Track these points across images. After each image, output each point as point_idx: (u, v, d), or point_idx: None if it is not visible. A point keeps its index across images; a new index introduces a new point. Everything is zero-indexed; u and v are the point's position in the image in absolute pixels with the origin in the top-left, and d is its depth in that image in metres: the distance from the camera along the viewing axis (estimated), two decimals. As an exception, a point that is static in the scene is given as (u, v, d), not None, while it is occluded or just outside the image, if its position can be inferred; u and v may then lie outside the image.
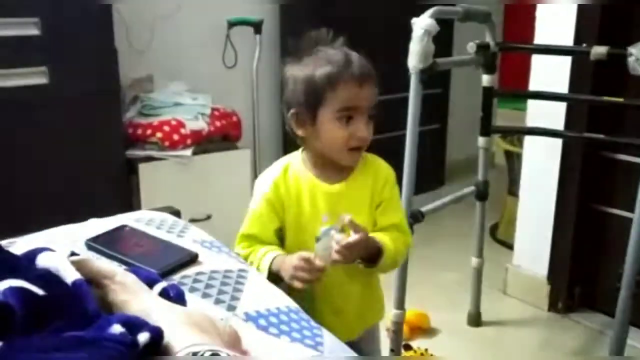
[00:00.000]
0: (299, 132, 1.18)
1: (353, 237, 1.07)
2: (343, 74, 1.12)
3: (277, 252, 1.18)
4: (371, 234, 1.16)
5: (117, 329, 0.67)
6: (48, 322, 0.69)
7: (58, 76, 2.03)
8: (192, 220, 2.19)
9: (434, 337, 2.17)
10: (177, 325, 0.72)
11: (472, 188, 2.12)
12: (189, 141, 2.36)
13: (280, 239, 1.24)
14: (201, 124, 2.41)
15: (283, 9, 2.87)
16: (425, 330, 2.18)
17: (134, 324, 0.69)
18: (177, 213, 1.36)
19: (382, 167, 1.25)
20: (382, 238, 1.18)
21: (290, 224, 1.22)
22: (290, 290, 1.07)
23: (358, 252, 1.12)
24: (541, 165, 2.30)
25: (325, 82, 1.12)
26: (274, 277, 1.13)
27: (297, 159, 1.24)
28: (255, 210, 1.23)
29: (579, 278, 2.32)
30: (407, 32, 1.66)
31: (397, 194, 1.27)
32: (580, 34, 2.06)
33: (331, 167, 1.21)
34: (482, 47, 1.88)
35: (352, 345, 0.91)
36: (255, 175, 2.77)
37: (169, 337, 0.70)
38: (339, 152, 1.16)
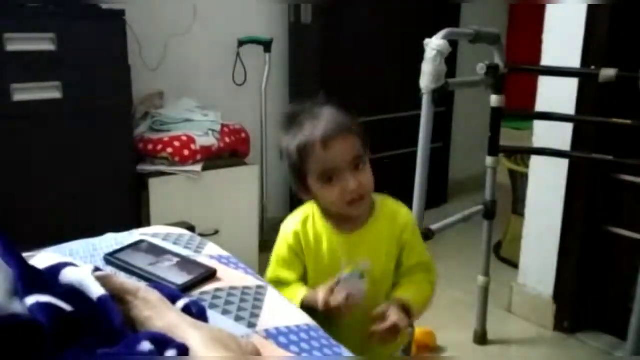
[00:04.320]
0: (305, 199, 1.25)
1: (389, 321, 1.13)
2: (308, 143, 1.14)
3: (304, 290, 1.21)
4: (397, 295, 1.21)
5: (146, 345, 0.68)
6: (76, 338, 0.70)
7: (71, 91, 2.05)
8: (201, 235, 2.20)
9: (441, 355, 2.17)
10: (201, 343, 0.73)
11: (480, 207, 2.14)
12: (198, 157, 2.38)
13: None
14: (211, 140, 2.43)
15: (293, 29, 2.90)
16: (431, 348, 2.18)
17: (161, 341, 0.71)
18: (192, 228, 1.38)
19: (400, 213, 1.28)
20: (408, 293, 1.22)
21: (311, 270, 1.26)
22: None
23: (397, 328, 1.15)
24: (547, 185, 2.31)
25: (297, 156, 1.16)
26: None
27: (316, 209, 1.27)
28: (279, 255, 1.27)
29: (585, 298, 2.32)
30: (416, 51, 1.69)
31: (418, 235, 1.31)
32: (587, 55, 2.08)
33: (345, 218, 1.24)
34: (492, 68, 1.90)
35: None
36: (262, 191, 2.80)
37: (194, 354, 0.71)
38: (341, 208, 1.19)
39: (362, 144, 1.18)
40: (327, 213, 1.25)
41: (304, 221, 1.26)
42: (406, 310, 1.18)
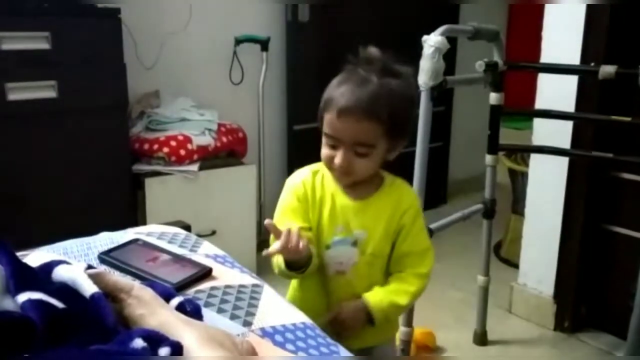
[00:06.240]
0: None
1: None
2: (332, 102, 1.15)
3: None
4: (364, 295, 1.22)
5: (139, 343, 0.66)
6: (69, 336, 0.69)
7: (67, 90, 2.03)
8: (198, 236, 2.18)
9: (440, 355, 2.16)
10: (196, 340, 0.72)
11: (479, 206, 2.12)
12: (195, 156, 2.36)
13: None
14: (208, 140, 2.41)
15: (290, 27, 2.89)
16: (431, 348, 2.16)
17: (155, 339, 0.69)
18: (187, 227, 1.36)
19: (406, 194, 1.27)
20: (377, 297, 1.22)
21: (311, 225, 1.24)
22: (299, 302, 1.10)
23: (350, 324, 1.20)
24: (547, 184, 2.30)
25: (323, 104, 1.18)
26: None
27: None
28: (287, 205, 1.25)
29: (586, 297, 2.31)
30: (415, 49, 1.67)
31: (420, 222, 1.27)
32: (587, 52, 2.07)
33: (353, 184, 1.23)
34: (491, 66, 1.89)
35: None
36: (260, 191, 2.78)
37: (188, 352, 0.70)
38: (328, 168, 1.21)
39: (382, 134, 1.15)
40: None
41: (314, 174, 1.26)
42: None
